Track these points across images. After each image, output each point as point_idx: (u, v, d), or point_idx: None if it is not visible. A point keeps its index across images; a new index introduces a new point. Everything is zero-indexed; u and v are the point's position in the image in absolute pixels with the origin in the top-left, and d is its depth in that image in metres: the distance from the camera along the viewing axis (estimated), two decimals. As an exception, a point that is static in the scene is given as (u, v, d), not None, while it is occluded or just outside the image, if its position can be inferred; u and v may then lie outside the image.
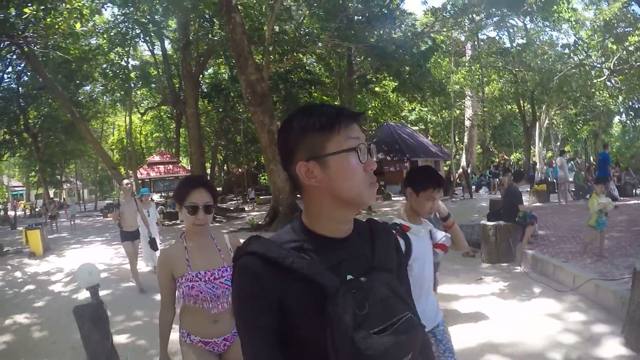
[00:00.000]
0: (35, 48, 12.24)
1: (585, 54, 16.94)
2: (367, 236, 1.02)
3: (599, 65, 16.61)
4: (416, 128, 31.30)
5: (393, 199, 21.08)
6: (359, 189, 0.91)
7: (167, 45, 22.70)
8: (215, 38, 17.94)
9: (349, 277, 0.88)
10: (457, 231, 2.42)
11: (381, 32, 14.22)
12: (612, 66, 15.18)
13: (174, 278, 2.01)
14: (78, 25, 11.56)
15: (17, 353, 4.42)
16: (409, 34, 17.35)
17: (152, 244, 6.54)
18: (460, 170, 23.20)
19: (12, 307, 6.28)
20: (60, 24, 10.93)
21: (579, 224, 8.33)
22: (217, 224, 15.11)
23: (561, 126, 26.80)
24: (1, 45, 14.70)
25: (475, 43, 21.64)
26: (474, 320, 4.41)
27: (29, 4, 10.90)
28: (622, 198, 12.40)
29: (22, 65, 20.93)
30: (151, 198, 7.32)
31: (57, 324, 5.19)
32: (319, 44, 13.58)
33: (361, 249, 0.97)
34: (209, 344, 2.04)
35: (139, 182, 28.14)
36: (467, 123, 26.26)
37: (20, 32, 11.41)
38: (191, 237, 2.06)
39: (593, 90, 18.16)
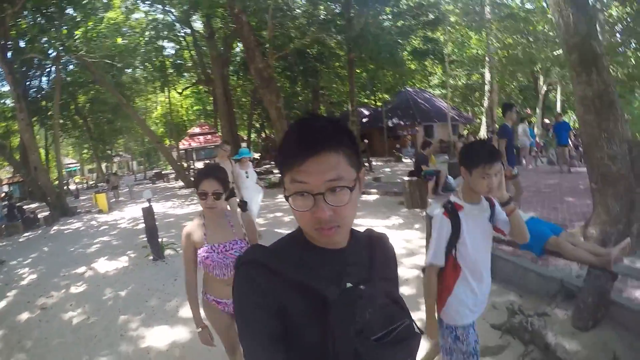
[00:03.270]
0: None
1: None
2: (366, 245, 1.10)
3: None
4: (438, 92, 33.64)
5: (404, 160, 23.91)
6: (306, 229, 0.97)
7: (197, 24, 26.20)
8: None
9: (348, 284, 0.95)
10: (516, 219, 2.18)
11: (369, 20, 17.02)
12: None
13: (195, 248, 2.52)
14: (119, 40, 15.68)
15: (105, 250, 8.94)
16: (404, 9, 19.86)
17: (243, 206, 6.95)
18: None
19: (96, 236, 10.86)
20: (106, 41, 15.11)
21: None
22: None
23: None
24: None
25: (482, 8, 23.26)
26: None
27: (79, 25, 15.16)
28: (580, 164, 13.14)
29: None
30: (250, 159, 8.18)
31: (126, 239, 9.77)
32: (308, 34, 16.80)
33: (360, 258, 1.04)
34: (221, 304, 2.56)
35: (182, 152, 32.80)
36: (487, 87, 28.05)
37: (75, 49, 15.50)
38: (207, 215, 2.53)
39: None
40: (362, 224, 8.44)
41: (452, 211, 2.24)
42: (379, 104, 32.25)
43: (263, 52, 16.46)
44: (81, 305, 5.77)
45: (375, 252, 1.09)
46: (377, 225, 8.42)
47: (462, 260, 2.23)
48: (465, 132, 30.84)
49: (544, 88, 24.12)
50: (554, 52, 19.14)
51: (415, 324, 1.01)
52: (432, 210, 5.79)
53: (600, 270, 3.67)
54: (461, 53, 26.06)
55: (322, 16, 17.72)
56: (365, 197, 12.27)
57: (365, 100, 36.30)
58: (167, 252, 7.74)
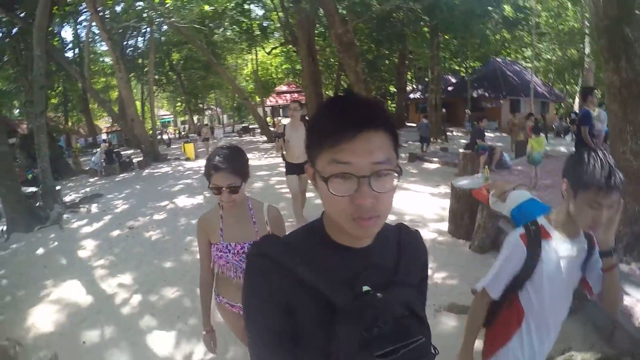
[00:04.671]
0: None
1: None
2: (394, 244, 1.01)
3: None
4: (529, 65, 31.91)
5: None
6: (340, 219, 0.86)
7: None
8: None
9: (366, 288, 0.88)
10: (613, 280, 1.59)
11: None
12: None
13: (210, 243, 2.23)
14: (207, 7, 17.32)
15: (186, 189, 10.82)
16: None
17: None
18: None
19: (181, 179, 12.88)
20: (194, 7, 16.82)
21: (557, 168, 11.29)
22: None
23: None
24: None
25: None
26: (406, 197, 8.39)
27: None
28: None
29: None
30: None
31: (205, 182, 11.31)
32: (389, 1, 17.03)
33: (383, 259, 0.97)
34: (235, 307, 2.28)
35: (267, 108, 34.61)
36: (586, 64, 26.10)
37: (167, 15, 17.35)
38: (226, 207, 2.18)
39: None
40: (411, 188, 9.28)
41: (534, 238, 1.63)
42: (469, 71, 31.44)
43: (344, 17, 17.08)
44: (160, 227, 7.50)
45: (403, 252, 1.01)
46: (423, 191, 9.19)
47: (528, 305, 1.68)
48: (554, 112, 29.39)
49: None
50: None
51: (430, 341, 0.90)
52: (456, 182, 6.43)
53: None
54: (556, 25, 24.43)
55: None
56: (426, 164, 12.99)
57: (456, 68, 35.33)
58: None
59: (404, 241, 1.03)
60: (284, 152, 6.02)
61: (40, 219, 8.58)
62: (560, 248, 1.61)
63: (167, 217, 8.20)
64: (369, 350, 0.81)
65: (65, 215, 9.02)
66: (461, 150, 10.61)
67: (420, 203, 8.10)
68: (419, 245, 1.08)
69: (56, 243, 7.29)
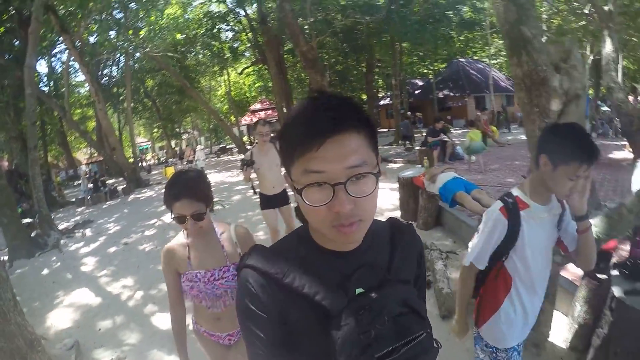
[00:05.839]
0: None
1: None
2: (386, 241, 1.00)
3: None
4: (493, 62, 33.61)
5: (452, 132, 24.86)
6: (321, 228, 0.85)
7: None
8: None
9: (359, 290, 0.87)
10: (589, 240, 1.81)
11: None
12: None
13: (179, 273, 2.13)
14: (178, 35, 18.50)
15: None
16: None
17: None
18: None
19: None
20: (166, 37, 17.97)
21: (512, 156, 12.65)
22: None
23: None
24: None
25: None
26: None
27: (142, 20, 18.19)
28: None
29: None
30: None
31: None
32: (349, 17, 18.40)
33: (376, 258, 0.95)
34: (214, 337, 2.26)
35: (242, 127, 35.68)
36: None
37: (141, 46, 18.46)
38: (192, 236, 2.10)
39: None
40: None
41: (512, 209, 1.83)
42: (435, 73, 32.88)
43: (308, 34, 18.35)
44: (152, 241, 8.56)
45: (396, 249, 0.99)
46: (385, 187, 10.19)
47: (514, 270, 1.89)
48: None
49: (591, 57, 23.68)
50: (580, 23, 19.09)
51: (433, 335, 0.90)
52: (401, 173, 7.55)
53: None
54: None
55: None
56: (391, 165, 14.07)
57: (425, 71, 36.86)
58: (217, 207, 10.19)
59: (396, 237, 1.02)
60: (254, 184, 5.38)
61: (40, 245, 9.49)
62: (537, 215, 1.82)
63: (157, 232, 9.25)
64: (369, 352, 0.80)
65: (62, 241, 9.96)
66: (417, 148, 11.79)
67: (379, 197, 9.07)
68: (413, 239, 1.06)
69: (59, 263, 8.24)
